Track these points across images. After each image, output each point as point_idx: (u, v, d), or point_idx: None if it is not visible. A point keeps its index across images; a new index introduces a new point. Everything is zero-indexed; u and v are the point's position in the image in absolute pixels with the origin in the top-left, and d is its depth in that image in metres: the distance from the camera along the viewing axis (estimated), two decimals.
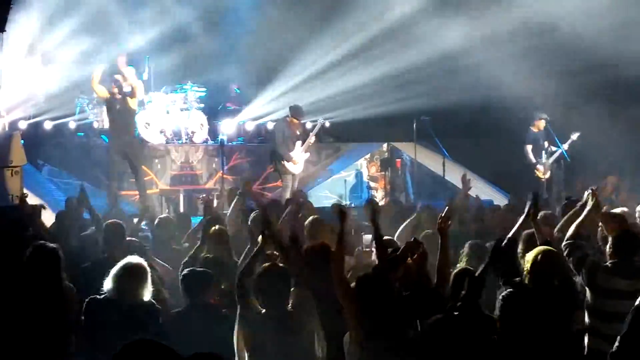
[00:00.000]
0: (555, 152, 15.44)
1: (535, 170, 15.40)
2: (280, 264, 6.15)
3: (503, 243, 6.23)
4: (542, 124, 15.47)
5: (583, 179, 13.79)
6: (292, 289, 6.06)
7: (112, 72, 13.69)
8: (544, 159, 15.38)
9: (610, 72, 15.27)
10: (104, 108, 14.51)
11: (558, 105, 15.91)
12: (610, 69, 15.13)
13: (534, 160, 15.40)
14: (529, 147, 15.42)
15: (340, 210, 5.93)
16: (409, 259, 5.96)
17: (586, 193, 7.02)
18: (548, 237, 6.66)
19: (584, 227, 6.69)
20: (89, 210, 9.27)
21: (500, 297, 5.76)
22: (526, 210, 6.60)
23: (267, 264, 6.11)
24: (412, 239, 6.16)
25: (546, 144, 15.55)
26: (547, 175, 15.45)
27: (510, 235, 6.34)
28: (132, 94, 13.46)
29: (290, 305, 5.97)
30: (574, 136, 15.21)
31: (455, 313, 5.66)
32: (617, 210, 8.01)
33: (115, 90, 13.44)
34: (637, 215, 9.09)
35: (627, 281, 6.11)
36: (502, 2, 16.04)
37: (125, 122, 13.60)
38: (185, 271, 6.64)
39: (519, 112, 16.13)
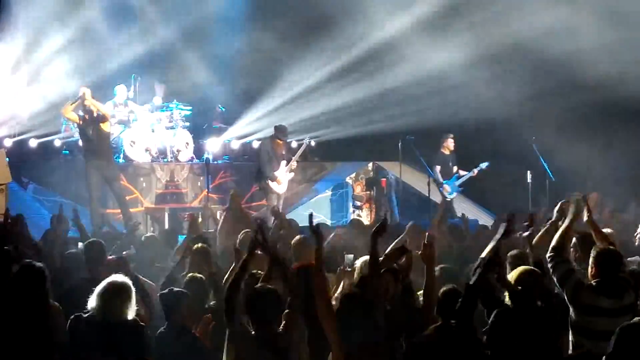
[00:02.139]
0: (464, 176, 16.01)
1: (443, 191, 15.91)
2: (269, 285, 5.98)
3: (475, 269, 6.03)
4: (451, 144, 16.12)
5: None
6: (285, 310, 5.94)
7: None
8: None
9: (596, 93, 15.35)
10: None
11: (544, 126, 15.97)
12: (596, 90, 15.21)
13: (441, 180, 15.96)
14: (438, 168, 16.04)
15: (314, 231, 5.85)
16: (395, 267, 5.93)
17: (558, 204, 6.95)
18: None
19: (567, 238, 6.61)
20: (79, 229, 9.28)
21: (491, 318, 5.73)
22: (501, 230, 6.31)
23: (257, 285, 5.98)
24: (400, 247, 6.11)
25: (455, 168, 16.11)
26: (453, 196, 16.07)
27: (484, 255, 6.09)
28: (104, 119, 13.41)
29: (281, 327, 5.82)
30: (484, 165, 15.88)
31: (441, 332, 5.65)
32: (606, 230, 7.89)
33: (87, 116, 13.38)
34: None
35: (611, 300, 6.13)
36: (487, 22, 16.14)
37: (100, 148, 13.46)
38: (163, 291, 6.57)
39: (503, 132, 16.21)
